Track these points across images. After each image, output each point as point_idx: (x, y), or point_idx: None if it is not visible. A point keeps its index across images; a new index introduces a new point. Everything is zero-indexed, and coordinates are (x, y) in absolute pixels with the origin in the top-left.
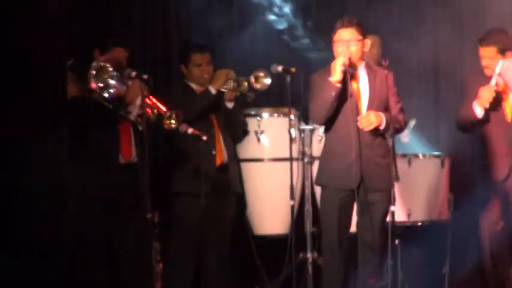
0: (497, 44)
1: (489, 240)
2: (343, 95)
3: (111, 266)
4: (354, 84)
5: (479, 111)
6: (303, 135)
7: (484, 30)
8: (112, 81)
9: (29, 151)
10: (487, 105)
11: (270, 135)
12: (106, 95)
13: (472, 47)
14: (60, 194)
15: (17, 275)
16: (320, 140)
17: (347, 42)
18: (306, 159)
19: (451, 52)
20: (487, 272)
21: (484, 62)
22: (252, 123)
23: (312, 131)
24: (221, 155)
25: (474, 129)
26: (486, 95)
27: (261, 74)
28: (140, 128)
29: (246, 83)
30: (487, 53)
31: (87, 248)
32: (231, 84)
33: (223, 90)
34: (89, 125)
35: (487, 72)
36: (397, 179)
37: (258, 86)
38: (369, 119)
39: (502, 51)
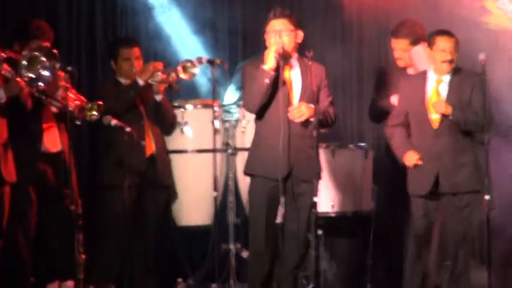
0: (409, 36)
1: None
2: (276, 84)
3: (39, 254)
4: (286, 74)
5: (395, 101)
6: (226, 126)
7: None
8: (44, 73)
9: None
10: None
11: (194, 126)
12: (36, 87)
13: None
14: None
15: None
16: (243, 132)
17: (279, 32)
18: (229, 151)
19: (374, 48)
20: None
21: (397, 54)
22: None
23: (236, 122)
24: (150, 146)
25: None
26: None
27: (189, 64)
28: (78, 122)
29: (174, 74)
30: (400, 45)
31: (17, 235)
32: (159, 76)
33: (151, 82)
34: (21, 117)
35: (400, 63)
36: (320, 176)
37: (186, 76)
38: (300, 110)
39: (415, 43)
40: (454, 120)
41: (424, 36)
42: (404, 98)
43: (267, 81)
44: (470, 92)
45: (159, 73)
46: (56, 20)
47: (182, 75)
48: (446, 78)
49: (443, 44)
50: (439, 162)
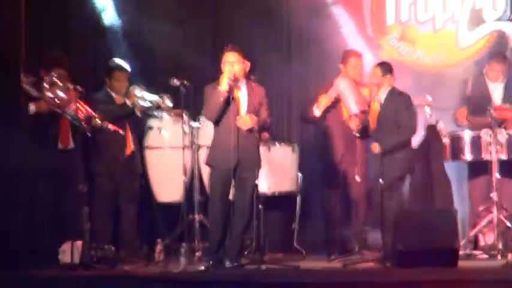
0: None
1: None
2: (228, 101)
3: (55, 222)
4: (236, 94)
5: (317, 112)
6: (192, 130)
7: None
8: (60, 93)
9: None
10: (322, 109)
11: (169, 129)
12: (54, 103)
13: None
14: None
15: None
16: (205, 134)
17: (232, 63)
18: (194, 147)
19: (302, 70)
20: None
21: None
22: (155, 121)
23: (199, 127)
24: (129, 147)
25: (313, 122)
26: (323, 101)
27: (165, 97)
28: (88, 132)
29: (155, 103)
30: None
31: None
32: (142, 100)
33: (136, 104)
34: (43, 121)
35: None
36: (260, 166)
37: (163, 106)
38: (246, 120)
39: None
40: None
41: (343, 59)
42: None
43: (221, 99)
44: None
45: (143, 96)
46: (67, 50)
47: (161, 105)
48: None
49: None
50: None
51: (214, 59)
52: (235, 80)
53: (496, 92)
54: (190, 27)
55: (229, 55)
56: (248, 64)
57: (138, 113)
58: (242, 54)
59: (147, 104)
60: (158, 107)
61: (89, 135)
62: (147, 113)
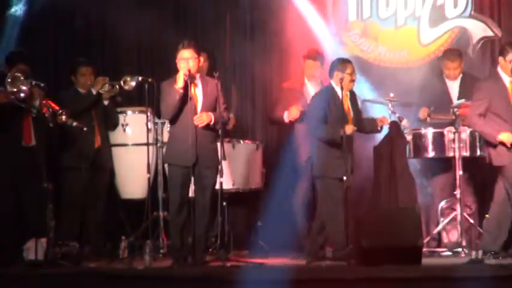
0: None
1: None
2: (185, 98)
3: (19, 220)
4: (192, 90)
5: (286, 119)
6: (156, 126)
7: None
8: (23, 87)
9: None
10: (292, 119)
11: (133, 126)
12: (18, 97)
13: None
14: None
15: None
16: (169, 131)
17: (187, 60)
18: (158, 144)
19: (264, 71)
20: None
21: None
22: (120, 118)
23: (163, 123)
24: (98, 141)
25: (280, 124)
26: (293, 112)
27: (128, 79)
28: (51, 125)
29: (118, 86)
30: (315, 66)
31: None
32: (106, 87)
33: (101, 92)
34: (6, 119)
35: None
36: (225, 158)
37: (126, 87)
38: (202, 118)
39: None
40: None
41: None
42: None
43: (177, 97)
44: None
45: (107, 84)
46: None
47: (124, 87)
48: None
49: None
50: None
51: (176, 51)
52: (191, 76)
53: (453, 89)
54: (152, 18)
55: (184, 52)
56: (202, 59)
57: (105, 102)
58: (196, 50)
59: (112, 88)
60: (121, 88)
61: (51, 125)
62: (113, 101)
